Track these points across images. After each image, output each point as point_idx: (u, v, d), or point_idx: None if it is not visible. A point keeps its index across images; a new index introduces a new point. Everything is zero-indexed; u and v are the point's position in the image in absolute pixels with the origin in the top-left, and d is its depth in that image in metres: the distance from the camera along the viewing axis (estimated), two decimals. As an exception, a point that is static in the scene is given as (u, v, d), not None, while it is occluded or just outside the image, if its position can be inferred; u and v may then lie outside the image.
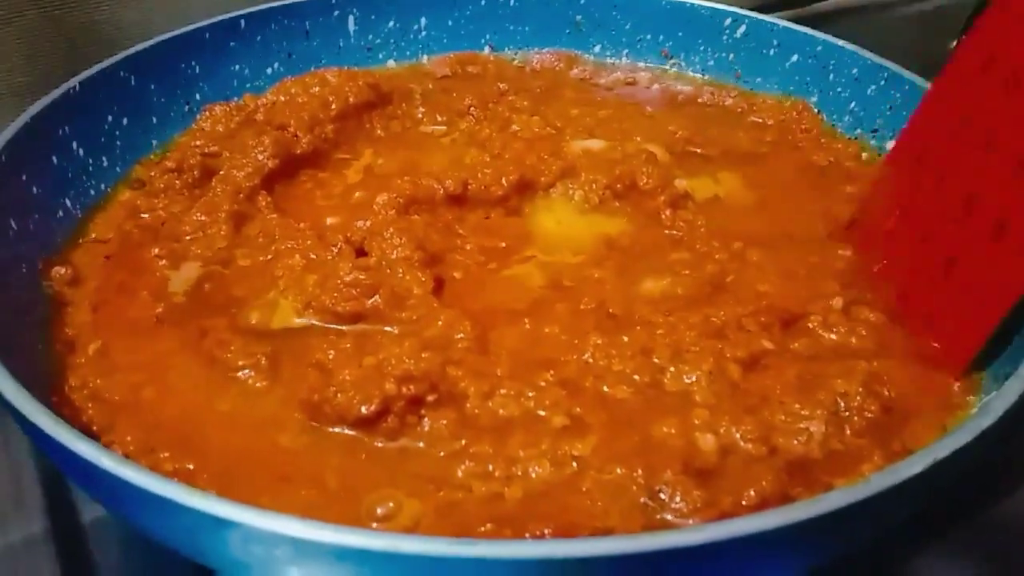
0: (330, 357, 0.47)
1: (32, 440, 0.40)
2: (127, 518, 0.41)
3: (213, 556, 0.37)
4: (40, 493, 0.53)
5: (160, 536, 0.39)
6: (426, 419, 0.45)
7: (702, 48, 0.79)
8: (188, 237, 0.56)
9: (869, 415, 0.45)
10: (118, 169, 0.63)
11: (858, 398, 0.45)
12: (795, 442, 0.43)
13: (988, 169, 0.46)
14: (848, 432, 0.44)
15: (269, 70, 0.73)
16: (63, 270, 0.53)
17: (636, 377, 0.47)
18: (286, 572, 0.35)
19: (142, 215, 0.58)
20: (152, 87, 0.66)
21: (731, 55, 0.78)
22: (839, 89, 0.71)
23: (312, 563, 0.33)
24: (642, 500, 0.40)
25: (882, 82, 0.67)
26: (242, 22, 0.71)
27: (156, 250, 0.55)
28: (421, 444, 0.44)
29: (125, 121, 0.64)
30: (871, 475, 0.35)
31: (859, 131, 0.69)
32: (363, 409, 0.43)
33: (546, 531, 0.38)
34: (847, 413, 0.45)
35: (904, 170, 0.54)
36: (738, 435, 0.43)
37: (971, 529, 0.52)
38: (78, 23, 0.73)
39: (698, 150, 0.67)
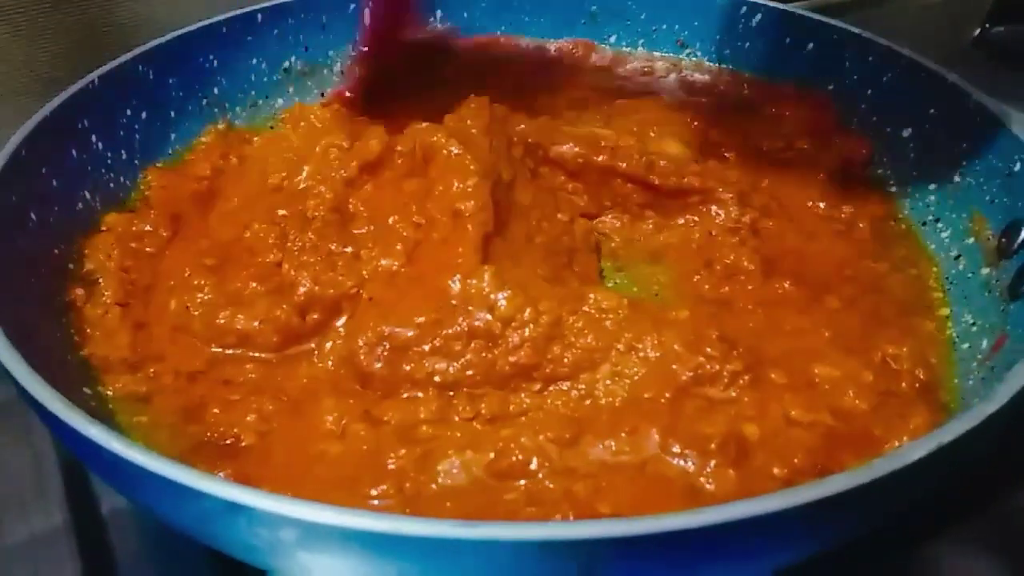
0: None
1: (47, 426, 0.40)
2: (138, 502, 0.42)
3: (221, 540, 0.38)
4: (61, 484, 0.54)
5: (169, 519, 0.40)
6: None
7: (718, 37, 0.78)
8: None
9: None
10: (136, 162, 0.63)
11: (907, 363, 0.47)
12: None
13: None
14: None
15: (286, 63, 0.74)
16: (81, 291, 0.54)
17: None
18: (294, 555, 0.35)
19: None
20: (170, 81, 0.67)
21: (747, 44, 0.77)
22: (855, 77, 0.70)
23: (319, 545, 0.34)
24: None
25: (898, 70, 0.67)
26: (259, 16, 0.71)
27: None
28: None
29: (144, 115, 0.64)
30: (874, 461, 0.35)
31: (875, 119, 0.68)
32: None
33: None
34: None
35: None
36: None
37: (983, 520, 0.52)
38: (97, 19, 0.74)
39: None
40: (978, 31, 1.00)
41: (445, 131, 0.56)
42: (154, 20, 0.75)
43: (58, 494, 0.54)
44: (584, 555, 0.32)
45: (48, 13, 0.72)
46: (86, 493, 0.54)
